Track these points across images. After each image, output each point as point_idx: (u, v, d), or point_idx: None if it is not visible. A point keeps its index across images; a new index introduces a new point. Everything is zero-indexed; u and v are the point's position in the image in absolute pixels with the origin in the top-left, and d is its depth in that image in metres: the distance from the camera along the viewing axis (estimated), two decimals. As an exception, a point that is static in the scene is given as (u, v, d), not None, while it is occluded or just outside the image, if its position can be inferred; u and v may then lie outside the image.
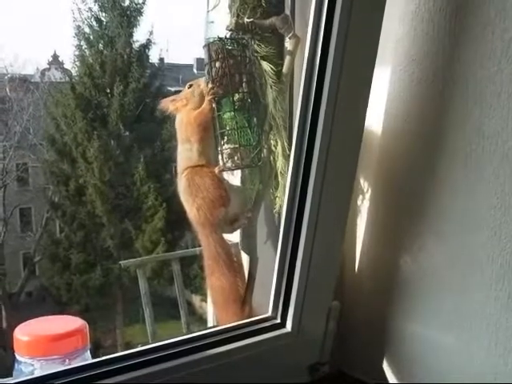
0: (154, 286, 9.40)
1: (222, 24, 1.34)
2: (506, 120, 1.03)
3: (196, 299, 10.64)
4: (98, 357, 1.05)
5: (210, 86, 1.32)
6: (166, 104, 1.40)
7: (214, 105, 1.32)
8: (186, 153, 1.36)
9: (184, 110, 1.37)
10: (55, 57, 12.41)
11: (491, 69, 1.05)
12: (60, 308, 10.41)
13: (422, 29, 1.16)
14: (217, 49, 1.30)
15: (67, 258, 11.11)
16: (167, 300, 9.39)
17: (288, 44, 1.31)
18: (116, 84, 11.04)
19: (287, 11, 1.33)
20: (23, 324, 1.08)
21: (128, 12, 11.37)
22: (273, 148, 1.32)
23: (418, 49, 1.18)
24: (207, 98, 1.32)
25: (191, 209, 1.34)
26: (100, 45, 11.34)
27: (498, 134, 1.05)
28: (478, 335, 1.11)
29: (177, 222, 9.85)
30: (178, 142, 1.38)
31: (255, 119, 1.32)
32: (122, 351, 1.08)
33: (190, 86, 1.37)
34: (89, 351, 1.09)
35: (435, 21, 1.14)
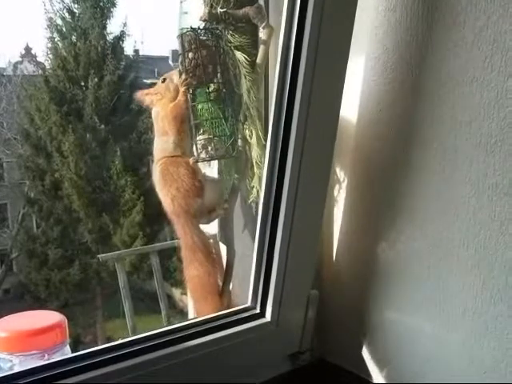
0: (133, 280, 9.36)
1: (195, 14, 1.33)
2: (478, 108, 1.05)
3: (176, 292, 10.61)
4: (79, 353, 1.05)
5: (183, 76, 1.31)
6: (142, 97, 1.39)
7: (188, 96, 1.32)
8: (162, 144, 1.35)
9: (160, 104, 1.36)
10: (28, 49, 12.20)
11: (463, 57, 1.06)
12: (39, 304, 10.31)
13: (395, 18, 1.17)
14: (190, 39, 1.30)
15: (45, 253, 10.98)
16: (147, 294, 9.36)
17: (262, 34, 1.31)
18: (90, 77, 10.90)
19: (261, 1, 1.32)
20: (0, 320, 1.07)
21: (101, 3, 11.20)
22: (248, 138, 1.32)
23: (392, 38, 1.18)
24: (181, 89, 1.32)
25: (165, 199, 1.34)
26: (73, 37, 11.16)
27: (471, 121, 1.06)
28: (455, 321, 1.13)
29: (155, 215, 9.79)
30: (155, 135, 1.37)
31: (230, 109, 1.32)
32: (102, 346, 1.07)
33: (164, 80, 1.37)
34: (68, 346, 1.09)
35: (408, 10, 1.14)
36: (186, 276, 1.39)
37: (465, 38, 1.06)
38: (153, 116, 1.38)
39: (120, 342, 1.08)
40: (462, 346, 1.12)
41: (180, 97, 1.32)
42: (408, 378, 1.22)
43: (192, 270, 1.36)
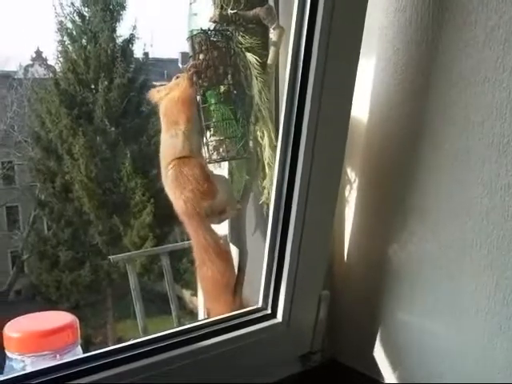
0: (144, 281, 9.39)
1: (205, 16, 1.34)
2: (490, 107, 1.04)
3: (186, 294, 10.64)
4: (90, 353, 1.05)
5: (190, 62, 1.31)
6: (153, 94, 1.39)
7: (197, 88, 1.32)
8: (171, 140, 1.34)
9: (167, 97, 1.36)
10: (38, 53, 12.30)
11: (475, 57, 1.06)
12: (50, 305, 10.36)
13: (405, 18, 1.17)
14: (200, 41, 1.30)
15: (55, 255, 11.05)
16: (157, 295, 9.39)
17: (272, 35, 1.31)
18: (100, 79, 10.95)
19: (271, 2, 1.32)
20: (13, 321, 1.07)
21: (111, 6, 11.26)
22: (259, 139, 1.32)
23: (402, 38, 1.18)
24: (188, 74, 1.31)
25: (178, 201, 1.33)
26: (83, 40, 11.22)
27: (482, 121, 1.06)
28: (468, 322, 1.12)
29: (165, 216, 9.82)
30: (163, 132, 1.37)
31: (241, 111, 1.32)
32: (113, 347, 1.08)
33: (178, 77, 1.37)
34: (80, 346, 1.09)
35: (418, 10, 1.14)
36: (200, 276, 1.38)
37: (476, 37, 1.05)
38: (160, 112, 1.37)
39: (132, 342, 1.09)
40: (474, 346, 1.12)
41: (185, 80, 1.32)
42: (420, 379, 1.21)
43: (205, 270, 1.35)
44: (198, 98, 1.33)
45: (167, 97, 1.36)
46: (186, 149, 1.33)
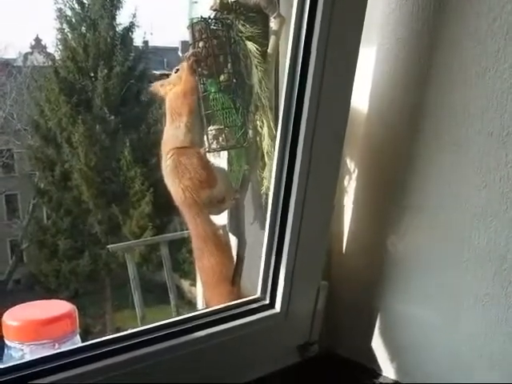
0: (142, 271, 9.39)
1: (205, 4, 1.33)
2: (490, 99, 1.04)
3: (185, 284, 10.64)
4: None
5: (190, 51, 1.31)
6: (157, 88, 1.39)
7: (197, 78, 1.31)
8: (174, 132, 1.34)
9: (172, 92, 1.36)
10: (38, 40, 12.22)
11: (476, 48, 1.06)
12: (49, 295, 10.35)
13: (407, 8, 1.16)
14: (200, 29, 1.29)
15: (55, 244, 11.04)
16: (156, 285, 9.39)
17: (273, 24, 1.30)
18: (100, 68, 10.89)
19: (272, -9, 1.32)
20: (12, 309, 1.07)
21: (110, -6, 11.20)
22: (259, 129, 1.31)
23: (404, 28, 1.18)
24: (188, 63, 1.31)
25: (177, 190, 1.33)
26: (82, 28, 11.14)
27: (482, 113, 1.05)
28: (465, 313, 1.12)
29: (164, 206, 9.80)
30: (167, 124, 1.37)
31: (241, 100, 1.32)
32: (111, 336, 1.08)
33: (177, 70, 1.37)
34: (78, 335, 1.09)
35: (420, 0, 1.13)
36: (198, 266, 1.38)
37: (478, 28, 1.05)
38: (166, 106, 1.37)
39: (129, 331, 1.09)
40: (471, 338, 1.12)
41: (186, 70, 1.31)
42: (416, 370, 1.22)
43: (204, 260, 1.35)
44: (199, 86, 1.33)
45: (171, 91, 1.36)
46: (188, 139, 1.33)
